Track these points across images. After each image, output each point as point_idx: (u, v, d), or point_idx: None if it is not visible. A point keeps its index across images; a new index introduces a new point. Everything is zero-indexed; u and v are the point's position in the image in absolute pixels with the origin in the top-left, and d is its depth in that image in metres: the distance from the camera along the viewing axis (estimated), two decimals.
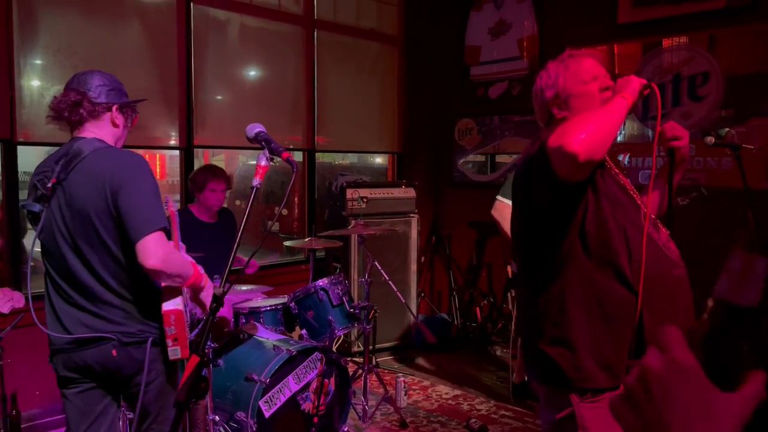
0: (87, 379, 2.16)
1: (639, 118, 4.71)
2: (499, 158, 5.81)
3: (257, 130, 1.78)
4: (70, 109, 2.13)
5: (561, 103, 1.89)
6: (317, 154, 5.52)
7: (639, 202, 1.87)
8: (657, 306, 1.74)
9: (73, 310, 2.10)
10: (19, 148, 3.76)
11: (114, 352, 2.09)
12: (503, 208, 3.69)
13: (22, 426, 3.59)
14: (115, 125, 2.21)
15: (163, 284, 2.09)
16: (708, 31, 4.41)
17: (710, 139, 2.75)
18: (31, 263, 3.18)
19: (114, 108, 2.20)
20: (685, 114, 4.44)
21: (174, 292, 2.10)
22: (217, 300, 1.52)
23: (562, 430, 1.79)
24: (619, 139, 4.91)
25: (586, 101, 1.85)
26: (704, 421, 0.63)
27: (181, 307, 2.09)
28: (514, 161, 5.61)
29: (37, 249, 2.30)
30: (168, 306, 2.07)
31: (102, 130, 2.17)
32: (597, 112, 1.68)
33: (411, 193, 5.43)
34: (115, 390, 2.22)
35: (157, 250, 1.97)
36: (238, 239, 1.59)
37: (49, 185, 2.06)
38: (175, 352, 2.09)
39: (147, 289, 2.11)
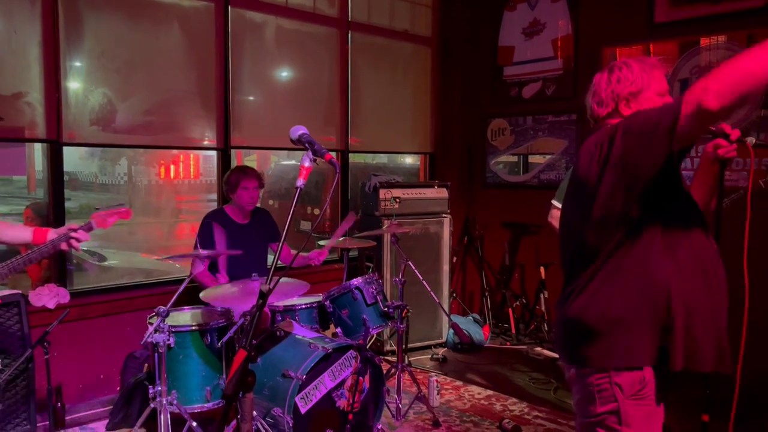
0: None
1: None
2: (532, 158, 5.78)
3: (300, 132, 1.82)
4: None
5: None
6: (350, 155, 5.58)
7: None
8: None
9: None
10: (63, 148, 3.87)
11: None
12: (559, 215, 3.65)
13: (66, 418, 3.71)
14: None
15: None
16: (747, 30, 4.34)
17: (751, 139, 2.71)
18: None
19: None
20: None
21: None
22: (263, 296, 1.56)
23: (602, 425, 1.78)
24: None
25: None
26: None
27: None
28: (547, 161, 5.58)
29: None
30: None
31: None
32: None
33: (443, 193, 5.45)
34: None
35: None
36: (283, 237, 1.63)
37: None
38: None
39: None
